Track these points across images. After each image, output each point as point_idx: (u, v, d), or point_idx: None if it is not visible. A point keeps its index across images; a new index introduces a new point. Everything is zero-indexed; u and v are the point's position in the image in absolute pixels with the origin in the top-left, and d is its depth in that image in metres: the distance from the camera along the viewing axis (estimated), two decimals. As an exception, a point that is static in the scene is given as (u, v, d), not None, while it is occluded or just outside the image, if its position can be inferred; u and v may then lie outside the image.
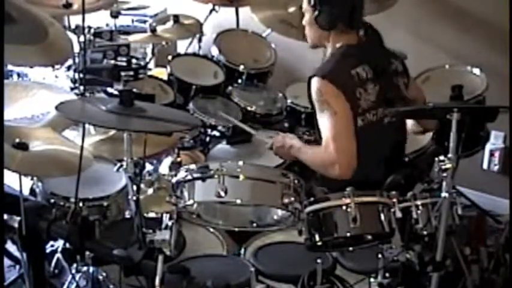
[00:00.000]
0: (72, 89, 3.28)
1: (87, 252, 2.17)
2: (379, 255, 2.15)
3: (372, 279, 2.18)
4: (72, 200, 2.50)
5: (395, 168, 2.58)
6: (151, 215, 2.58)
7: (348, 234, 2.10)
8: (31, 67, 3.42)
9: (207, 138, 3.48)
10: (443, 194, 2.10)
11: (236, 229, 2.35)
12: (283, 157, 2.84)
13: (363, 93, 2.57)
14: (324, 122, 2.54)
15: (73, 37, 3.14)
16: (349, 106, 2.52)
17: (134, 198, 2.10)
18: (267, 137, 2.94)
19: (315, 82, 2.56)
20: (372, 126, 2.59)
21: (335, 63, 2.60)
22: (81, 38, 3.36)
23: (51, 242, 2.92)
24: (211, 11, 3.97)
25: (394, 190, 2.18)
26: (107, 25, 3.90)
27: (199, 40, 3.88)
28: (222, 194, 2.05)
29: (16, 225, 2.13)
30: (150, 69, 3.82)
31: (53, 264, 2.94)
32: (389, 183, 2.45)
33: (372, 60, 2.63)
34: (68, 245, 2.72)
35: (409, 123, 2.84)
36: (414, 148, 2.95)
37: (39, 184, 2.65)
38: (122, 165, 2.13)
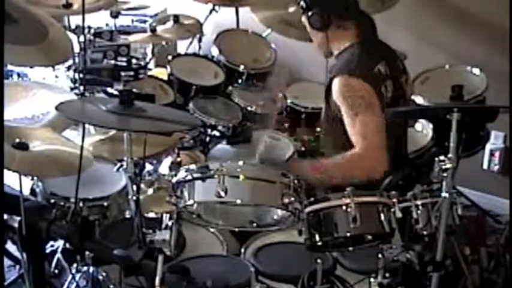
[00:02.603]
0: (72, 89, 3.28)
1: (87, 252, 2.17)
2: (379, 255, 2.15)
3: (372, 279, 2.17)
4: (72, 200, 2.50)
5: (399, 166, 2.58)
6: (151, 215, 2.57)
7: (348, 234, 2.10)
8: (31, 67, 3.42)
9: (207, 138, 3.47)
10: (443, 194, 2.09)
11: (236, 229, 2.35)
12: None
13: (384, 90, 2.55)
14: (358, 120, 2.44)
15: (73, 37, 3.13)
16: (378, 102, 2.48)
17: (134, 198, 2.10)
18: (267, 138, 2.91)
19: (342, 80, 2.47)
20: (386, 123, 2.56)
21: (358, 61, 2.54)
22: (81, 38, 3.36)
23: (51, 242, 2.92)
24: (211, 11, 3.97)
25: (391, 190, 2.18)
26: (107, 25, 3.91)
27: (199, 40, 3.88)
28: (222, 194, 2.05)
29: (16, 225, 2.13)
30: (150, 69, 3.83)
31: (53, 264, 2.94)
32: (387, 184, 2.45)
33: (388, 58, 2.63)
34: (68, 245, 2.74)
35: None
36: (414, 148, 2.95)
37: (39, 184, 2.65)
38: (122, 165, 2.13)
